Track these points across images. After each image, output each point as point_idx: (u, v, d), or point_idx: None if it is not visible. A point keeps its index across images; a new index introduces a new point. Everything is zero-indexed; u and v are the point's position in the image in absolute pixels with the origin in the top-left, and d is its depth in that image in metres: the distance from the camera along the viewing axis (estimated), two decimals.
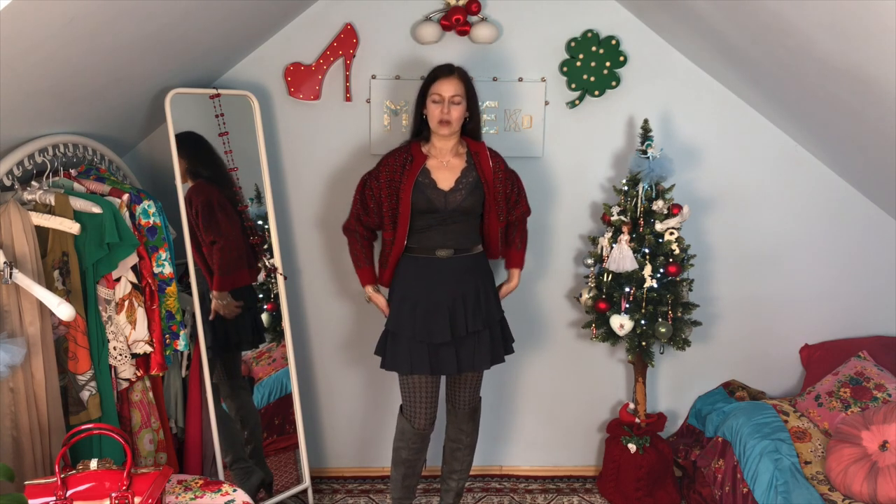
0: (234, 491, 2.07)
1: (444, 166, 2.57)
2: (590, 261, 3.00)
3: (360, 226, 2.68)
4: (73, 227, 2.17)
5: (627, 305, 2.89)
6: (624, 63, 3.02)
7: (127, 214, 2.39)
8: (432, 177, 2.56)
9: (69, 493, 1.85)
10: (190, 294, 2.74)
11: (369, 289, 2.72)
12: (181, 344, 2.57)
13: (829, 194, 3.19)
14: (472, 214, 2.60)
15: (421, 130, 2.63)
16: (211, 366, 2.78)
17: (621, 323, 2.88)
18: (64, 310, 2.01)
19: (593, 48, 3.01)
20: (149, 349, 2.46)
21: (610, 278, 2.93)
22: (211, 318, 2.76)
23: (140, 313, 2.42)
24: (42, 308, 2.08)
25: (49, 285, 2.15)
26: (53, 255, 2.19)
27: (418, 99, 2.60)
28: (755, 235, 3.22)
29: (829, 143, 3.00)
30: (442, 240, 2.58)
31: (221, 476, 2.77)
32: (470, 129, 2.63)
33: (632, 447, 3.05)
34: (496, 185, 2.61)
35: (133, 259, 2.40)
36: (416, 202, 2.54)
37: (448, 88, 2.51)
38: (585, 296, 3.01)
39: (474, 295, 2.59)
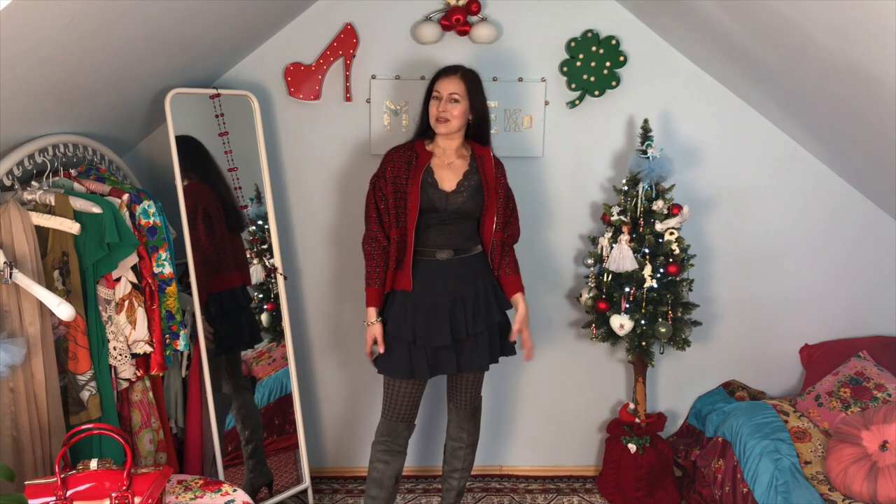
0: (235, 491, 2.07)
1: (447, 167, 2.56)
2: (590, 261, 3.00)
3: (381, 232, 2.58)
4: (73, 227, 2.17)
5: (627, 305, 2.89)
6: (624, 63, 3.02)
7: (127, 214, 2.39)
8: (435, 176, 2.55)
9: (69, 493, 1.84)
10: (190, 294, 2.74)
11: (372, 312, 2.58)
12: (181, 344, 2.57)
13: (829, 194, 3.19)
14: (472, 217, 2.59)
15: (426, 130, 2.61)
16: (212, 366, 2.78)
17: (621, 323, 2.88)
18: (64, 310, 2.01)
19: (593, 48, 3.01)
20: (149, 349, 2.46)
21: (610, 278, 2.93)
22: None
23: (140, 313, 2.42)
24: (42, 308, 2.08)
25: (49, 285, 2.15)
26: (53, 255, 2.19)
27: (424, 98, 2.59)
28: (755, 235, 3.22)
29: (829, 143, 3.00)
30: (441, 240, 2.57)
31: (221, 476, 2.77)
32: (475, 134, 2.60)
33: (632, 447, 3.05)
34: (498, 192, 2.59)
35: (133, 259, 2.40)
36: (421, 199, 2.53)
37: (447, 86, 2.49)
38: (585, 296, 3.01)
39: (473, 297, 2.58)
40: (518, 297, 2.66)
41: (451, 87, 2.49)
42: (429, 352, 2.56)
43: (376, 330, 2.58)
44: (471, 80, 2.53)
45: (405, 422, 2.66)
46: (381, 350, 2.58)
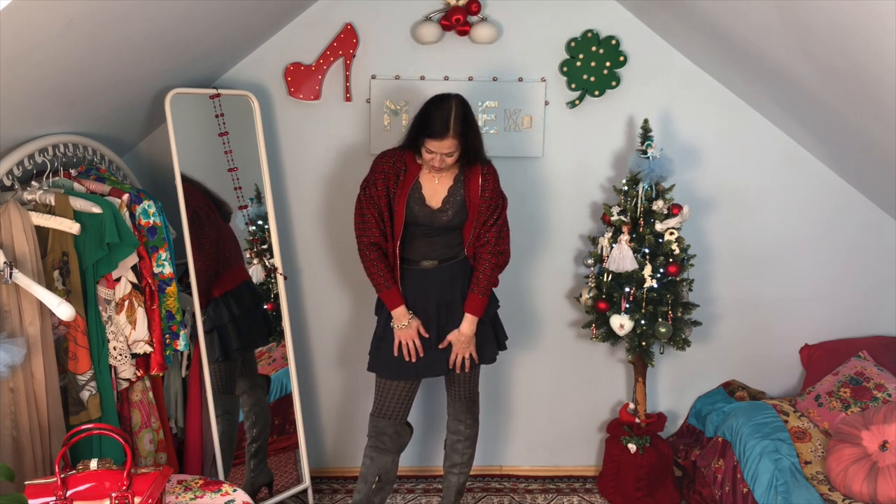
0: (235, 491, 2.07)
1: (435, 183, 2.55)
2: (590, 261, 3.00)
3: (381, 236, 2.56)
4: (73, 227, 2.17)
5: (627, 305, 2.89)
6: (624, 63, 3.02)
7: (127, 214, 2.39)
8: (423, 192, 2.54)
9: (69, 493, 1.84)
10: (190, 294, 2.74)
11: (404, 311, 2.55)
12: (181, 344, 2.57)
13: (829, 194, 3.18)
14: (458, 228, 2.59)
15: (414, 144, 2.51)
16: (226, 367, 2.79)
17: (621, 323, 2.88)
18: (64, 310, 2.01)
19: (593, 48, 3.00)
20: (149, 349, 2.46)
21: (610, 278, 2.93)
22: None
23: (140, 313, 2.42)
24: (42, 308, 2.08)
25: (49, 285, 2.15)
26: (53, 255, 2.19)
27: (414, 123, 2.48)
28: (755, 235, 3.22)
29: (829, 143, 3.00)
30: (427, 251, 2.59)
31: (221, 476, 2.77)
32: (466, 162, 2.53)
33: (632, 447, 3.05)
34: (480, 208, 2.55)
35: (133, 259, 2.40)
36: (405, 215, 2.53)
37: (440, 147, 2.42)
38: (585, 296, 3.01)
39: (461, 300, 2.61)
40: (465, 318, 2.59)
41: (444, 147, 2.42)
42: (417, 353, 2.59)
43: (416, 325, 2.57)
44: (462, 134, 2.42)
45: (388, 419, 2.67)
46: (426, 335, 2.58)
